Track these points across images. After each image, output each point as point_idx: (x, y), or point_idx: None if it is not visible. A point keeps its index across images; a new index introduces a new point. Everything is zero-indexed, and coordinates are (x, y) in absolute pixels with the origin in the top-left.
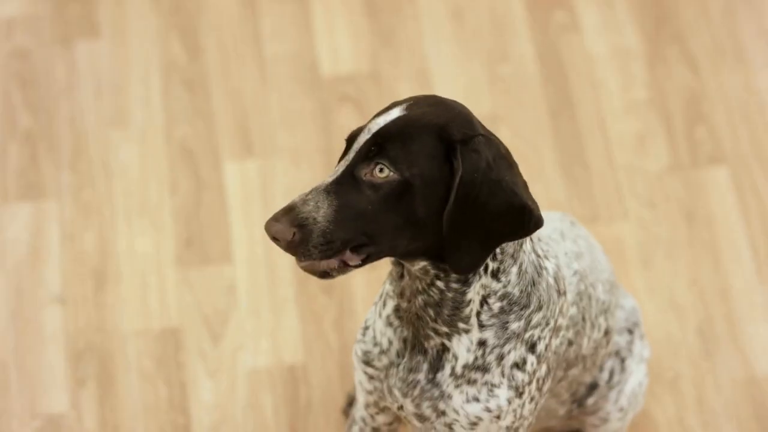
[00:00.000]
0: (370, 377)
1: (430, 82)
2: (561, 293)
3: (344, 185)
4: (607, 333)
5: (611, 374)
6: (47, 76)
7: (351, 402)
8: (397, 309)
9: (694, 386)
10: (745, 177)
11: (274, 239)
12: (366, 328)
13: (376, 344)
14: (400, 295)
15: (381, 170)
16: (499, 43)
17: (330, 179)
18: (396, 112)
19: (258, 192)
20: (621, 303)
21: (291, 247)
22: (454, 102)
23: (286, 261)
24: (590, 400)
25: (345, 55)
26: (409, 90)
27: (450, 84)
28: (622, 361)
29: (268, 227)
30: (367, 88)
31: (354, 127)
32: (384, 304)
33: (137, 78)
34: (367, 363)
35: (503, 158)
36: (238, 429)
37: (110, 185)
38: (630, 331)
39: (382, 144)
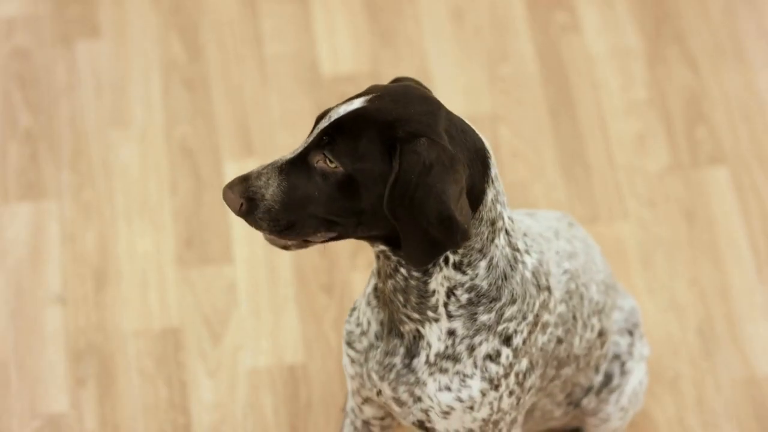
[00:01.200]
0: (352, 361)
1: (430, 82)
2: (541, 288)
3: (297, 167)
4: (601, 334)
5: (611, 378)
6: (47, 76)
7: None
8: (376, 289)
9: (694, 386)
10: (745, 177)
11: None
12: (353, 308)
13: (358, 325)
14: (378, 273)
15: (329, 161)
16: (499, 43)
17: (288, 157)
18: (357, 103)
19: None
20: (619, 304)
21: (240, 215)
22: (425, 97)
23: (286, 261)
24: (585, 401)
25: (345, 55)
26: None
27: (450, 84)
28: (623, 365)
29: (223, 193)
30: None
31: None
32: (369, 283)
33: (137, 78)
34: (350, 344)
35: (442, 164)
36: (238, 429)
37: (110, 185)
38: (630, 333)
39: (333, 135)
